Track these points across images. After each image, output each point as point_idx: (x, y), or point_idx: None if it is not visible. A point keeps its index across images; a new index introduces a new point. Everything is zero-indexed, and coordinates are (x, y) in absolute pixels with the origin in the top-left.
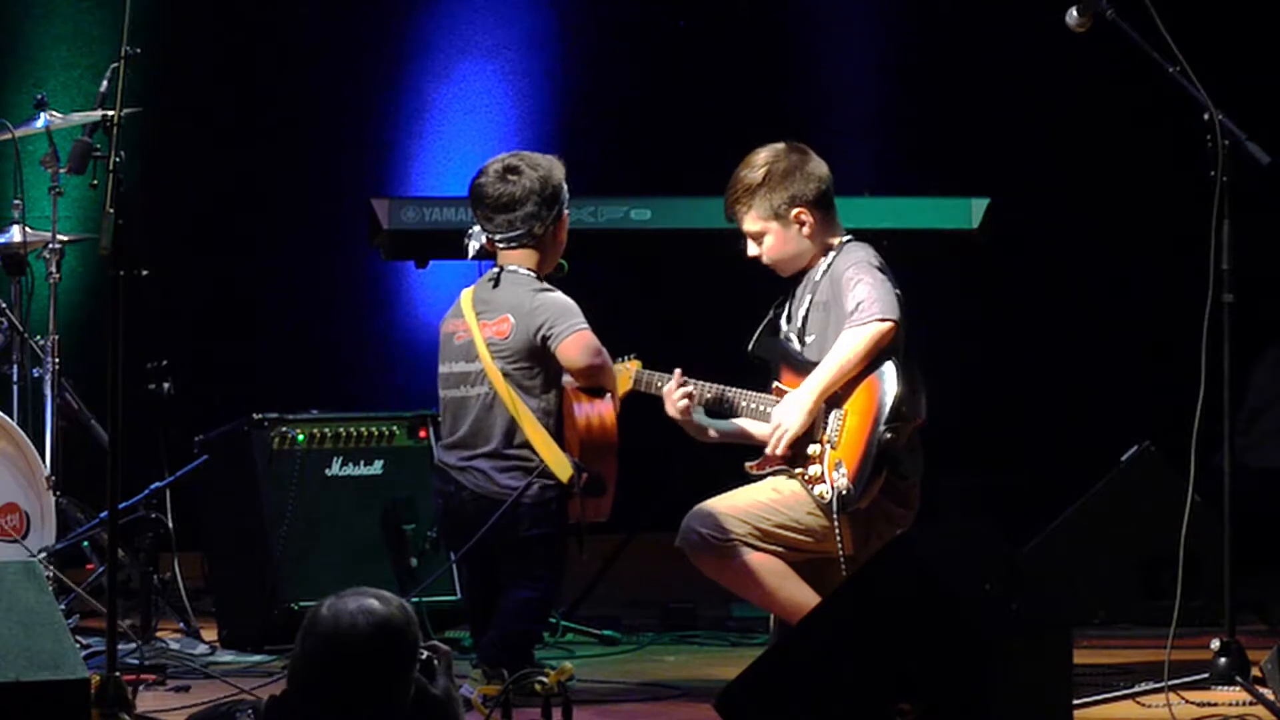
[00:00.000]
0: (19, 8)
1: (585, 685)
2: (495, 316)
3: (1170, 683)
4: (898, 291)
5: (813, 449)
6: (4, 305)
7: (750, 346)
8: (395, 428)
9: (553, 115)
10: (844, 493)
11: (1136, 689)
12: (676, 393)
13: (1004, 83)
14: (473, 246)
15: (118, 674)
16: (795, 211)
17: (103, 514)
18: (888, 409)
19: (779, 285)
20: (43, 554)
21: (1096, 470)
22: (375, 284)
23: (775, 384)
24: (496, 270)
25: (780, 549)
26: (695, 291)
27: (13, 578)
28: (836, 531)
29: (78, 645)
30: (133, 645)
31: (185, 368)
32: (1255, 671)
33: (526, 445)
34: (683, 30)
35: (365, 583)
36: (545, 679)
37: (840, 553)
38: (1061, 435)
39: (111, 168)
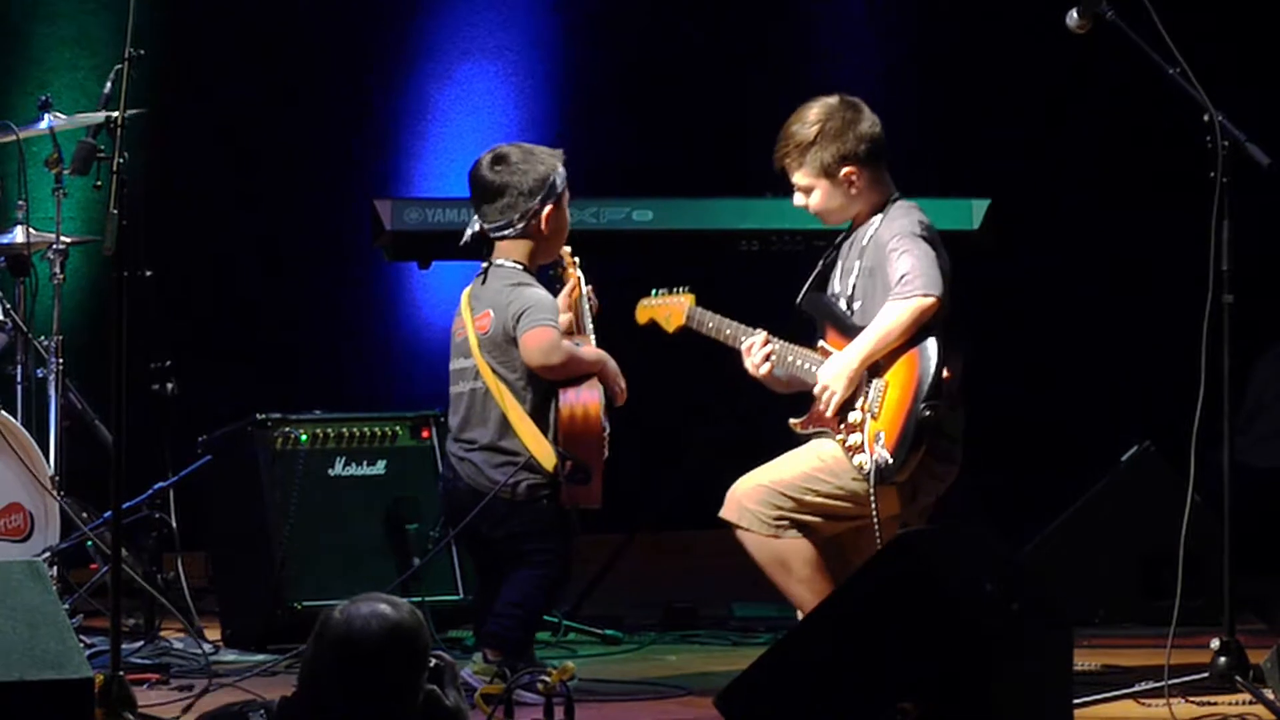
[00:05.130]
0: (24, 10)
1: (587, 684)
2: (481, 311)
3: (1170, 682)
4: (943, 261)
5: (854, 416)
6: (8, 306)
7: (798, 301)
8: (398, 428)
9: (555, 117)
10: (883, 465)
11: (1136, 688)
12: (758, 354)
13: (1004, 83)
14: (466, 233)
15: (121, 673)
16: (845, 170)
17: (106, 514)
18: (928, 385)
19: (781, 287)
20: (46, 554)
21: (1096, 470)
22: (378, 285)
23: (820, 343)
24: (486, 265)
25: (822, 519)
26: (698, 292)
27: (17, 577)
28: (873, 502)
29: (81, 644)
30: (139, 644)
31: (188, 368)
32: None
33: (516, 437)
34: (685, 34)
35: (368, 582)
36: (548, 678)
37: (875, 520)
38: (1062, 435)
39: (115, 169)
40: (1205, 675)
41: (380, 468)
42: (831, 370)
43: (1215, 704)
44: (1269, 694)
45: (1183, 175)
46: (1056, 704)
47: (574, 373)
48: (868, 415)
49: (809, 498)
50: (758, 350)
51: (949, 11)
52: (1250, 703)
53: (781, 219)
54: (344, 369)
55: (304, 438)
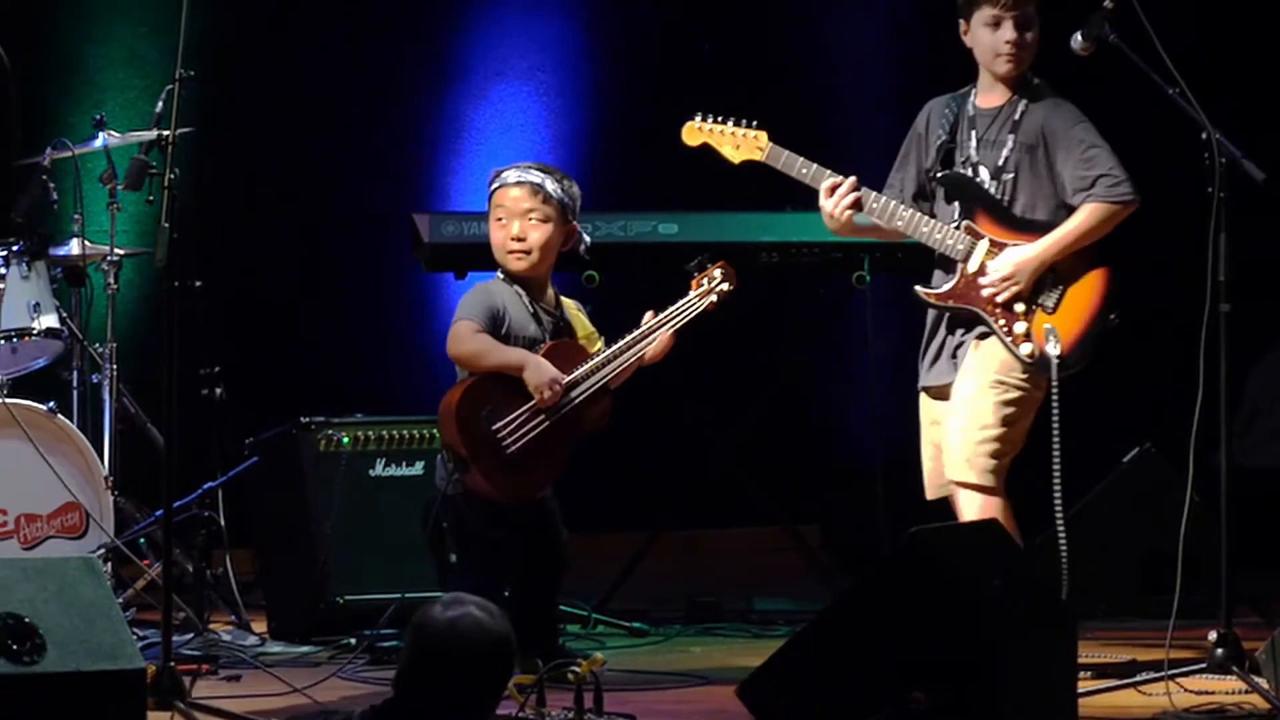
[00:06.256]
0: (79, 33)
1: (615, 674)
2: None
3: (1170, 673)
4: None
5: (1018, 306)
6: (65, 314)
7: (933, 172)
8: (436, 430)
9: (584, 134)
10: (1058, 360)
11: (1137, 679)
12: (848, 198)
13: None
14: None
15: (172, 664)
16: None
17: (158, 512)
18: (1113, 293)
19: (799, 296)
20: (101, 550)
21: (1096, 470)
22: (416, 294)
23: (966, 222)
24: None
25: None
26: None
27: (74, 573)
28: (1055, 393)
29: (134, 637)
30: (189, 636)
31: (236, 374)
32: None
33: None
34: (708, 53)
35: (406, 577)
36: (578, 668)
37: (1054, 412)
38: (1062, 435)
39: (166, 184)
40: (1203, 666)
41: (419, 469)
42: (1018, 262)
43: (1213, 693)
44: (1263, 683)
45: (1183, 180)
46: (1061, 693)
47: (483, 365)
48: (1038, 308)
49: (1020, 423)
50: (846, 192)
51: (959, 31)
52: (1246, 692)
53: (801, 232)
54: (384, 374)
55: (346, 440)
